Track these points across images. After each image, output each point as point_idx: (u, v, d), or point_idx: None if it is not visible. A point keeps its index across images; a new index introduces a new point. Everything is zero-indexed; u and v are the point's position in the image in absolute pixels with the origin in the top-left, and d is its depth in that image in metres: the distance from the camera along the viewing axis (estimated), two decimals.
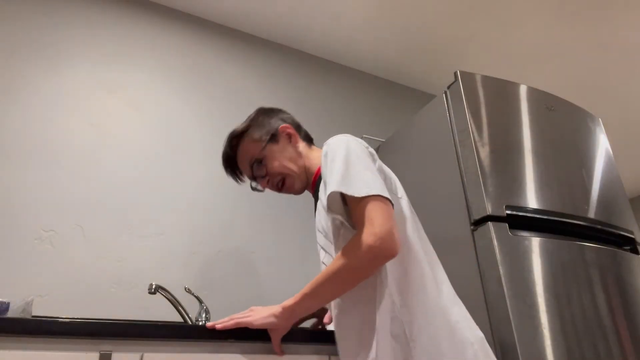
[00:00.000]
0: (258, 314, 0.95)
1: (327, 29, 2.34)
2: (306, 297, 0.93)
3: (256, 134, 1.18)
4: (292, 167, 1.15)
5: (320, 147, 1.19)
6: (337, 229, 0.97)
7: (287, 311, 0.94)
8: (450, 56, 2.55)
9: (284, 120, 1.22)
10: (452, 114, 1.55)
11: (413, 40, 2.44)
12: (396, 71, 2.66)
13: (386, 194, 0.90)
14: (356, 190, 0.89)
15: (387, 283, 0.90)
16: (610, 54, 2.54)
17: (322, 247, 1.05)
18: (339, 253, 0.91)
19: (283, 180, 1.16)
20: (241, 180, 1.28)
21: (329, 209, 0.93)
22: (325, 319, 1.09)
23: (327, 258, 1.01)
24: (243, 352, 0.96)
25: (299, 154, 1.18)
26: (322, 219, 1.03)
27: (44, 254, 1.49)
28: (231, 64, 2.19)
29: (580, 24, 2.35)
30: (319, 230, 1.05)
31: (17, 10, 1.78)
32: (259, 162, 1.16)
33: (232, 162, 1.24)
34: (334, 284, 0.91)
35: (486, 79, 1.59)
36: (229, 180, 1.93)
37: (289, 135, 1.19)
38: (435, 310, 0.91)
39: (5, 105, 1.62)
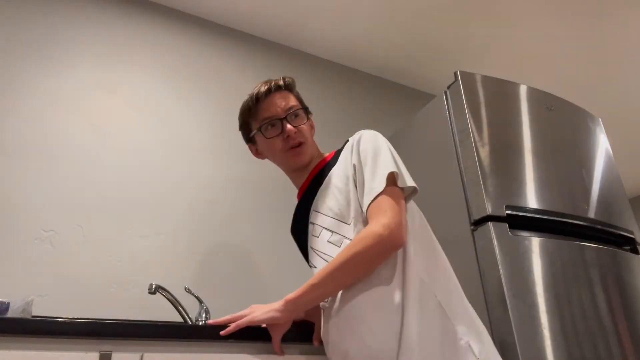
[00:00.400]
0: (258, 310, 0.95)
1: (327, 29, 2.34)
2: (313, 287, 0.92)
3: (300, 99, 1.19)
4: (312, 142, 1.16)
5: (324, 151, 1.21)
6: (358, 213, 0.98)
7: (290, 303, 0.93)
8: (450, 56, 2.55)
9: None
10: (452, 114, 1.55)
11: (413, 40, 2.44)
12: (396, 71, 2.66)
13: (413, 184, 0.98)
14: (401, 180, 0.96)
15: (414, 263, 0.92)
16: (610, 54, 2.54)
17: (328, 229, 1.02)
18: (349, 244, 0.92)
19: (300, 144, 1.11)
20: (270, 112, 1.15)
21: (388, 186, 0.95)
22: (315, 342, 1.08)
23: (335, 237, 1.00)
24: (243, 352, 0.96)
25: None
26: (334, 201, 1.03)
27: (44, 254, 1.49)
28: (231, 64, 2.19)
29: (580, 24, 2.35)
30: (326, 214, 1.04)
31: (17, 10, 1.78)
32: (296, 115, 1.12)
33: (274, 90, 1.14)
34: (343, 273, 0.92)
35: (486, 79, 1.59)
36: (229, 179, 1.95)
37: (312, 126, 1.20)
38: (461, 292, 0.97)
39: (5, 105, 1.62)
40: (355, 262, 0.90)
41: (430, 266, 0.95)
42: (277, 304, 0.94)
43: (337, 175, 1.05)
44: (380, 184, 0.94)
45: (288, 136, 1.09)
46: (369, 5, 2.21)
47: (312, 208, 1.09)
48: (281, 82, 1.15)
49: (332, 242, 1.01)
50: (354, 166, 1.02)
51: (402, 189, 0.97)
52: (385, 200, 0.92)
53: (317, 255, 1.04)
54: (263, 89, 1.13)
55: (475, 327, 0.91)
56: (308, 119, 1.17)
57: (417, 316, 0.86)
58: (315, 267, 1.05)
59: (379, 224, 0.89)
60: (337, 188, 1.03)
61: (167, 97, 1.95)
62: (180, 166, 1.85)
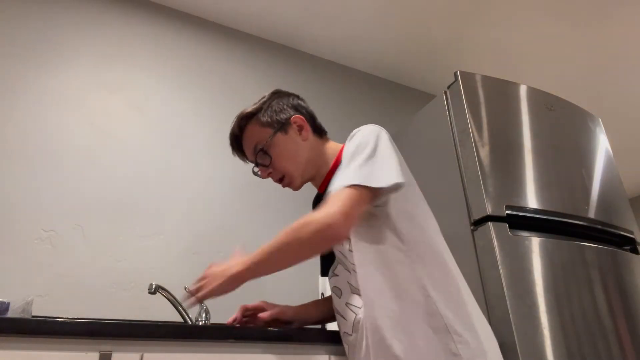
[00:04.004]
0: (215, 280, 0.94)
1: (327, 29, 2.34)
2: (256, 265, 0.93)
3: (265, 119, 1.10)
4: (295, 165, 1.10)
5: (338, 141, 1.17)
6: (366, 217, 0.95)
7: (239, 279, 0.94)
8: (450, 56, 2.55)
9: (297, 110, 1.14)
10: (452, 114, 1.55)
11: (413, 40, 2.44)
12: (396, 71, 2.66)
13: (380, 184, 0.90)
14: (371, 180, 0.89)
15: (421, 278, 0.90)
16: (610, 53, 2.54)
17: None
18: (291, 228, 0.91)
19: (282, 178, 1.12)
20: (248, 160, 1.20)
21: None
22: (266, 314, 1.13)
23: (338, 246, 0.99)
24: (243, 352, 0.96)
25: (306, 149, 1.11)
26: None
27: (44, 254, 1.49)
28: (231, 64, 2.19)
29: (580, 23, 2.35)
30: None
31: (18, 11, 1.78)
32: (264, 151, 1.09)
33: (238, 142, 1.16)
34: (281, 257, 0.92)
35: (486, 79, 1.59)
36: (229, 180, 1.95)
37: (300, 128, 1.11)
38: (469, 307, 0.92)
39: (6, 106, 1.62)
40: (294, 247, 0.90)
41: (436, 279, 0.91)
42: (228, 275, 0.93)
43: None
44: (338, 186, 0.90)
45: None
46: (368, 5, 2.21)
47: None
48: (236, 129, 1.14)
49: (340, 251, 0.99)
50: None
51: (372, 188, 0.90)
52: (345, 192, 0.88)
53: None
54: (231, 146, 1.17)
55: (480, 346, 0.86)
56: (281, 137, 1.09)
57: (422, 337, 0.85)
58: (336, 275, 1.02)
59: (325, 211, 0.87)
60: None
61: (167, 97, 1.95)
62: (180, 166, 1.85)
